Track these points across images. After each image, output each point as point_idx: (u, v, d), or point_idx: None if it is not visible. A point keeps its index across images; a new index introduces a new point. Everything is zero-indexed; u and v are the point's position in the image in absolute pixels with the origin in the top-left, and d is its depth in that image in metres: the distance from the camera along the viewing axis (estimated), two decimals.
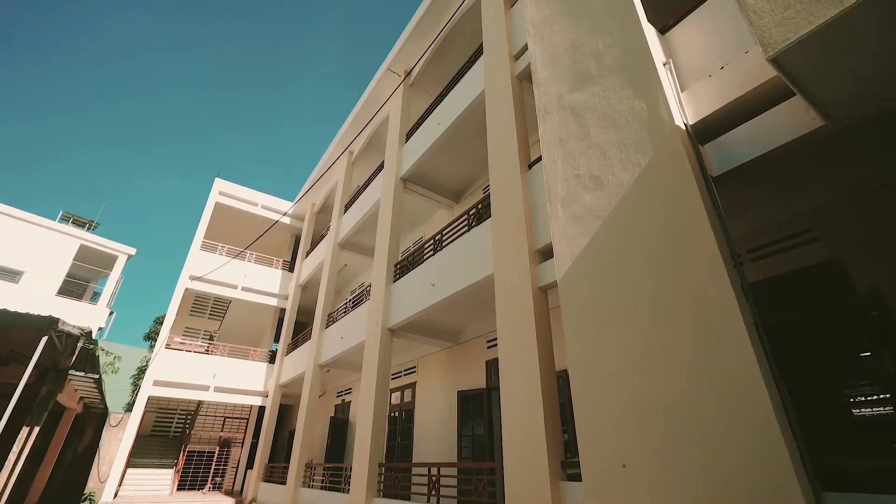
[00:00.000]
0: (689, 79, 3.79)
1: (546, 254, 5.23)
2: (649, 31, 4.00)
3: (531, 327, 4.88)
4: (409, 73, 11.64)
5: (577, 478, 4.33)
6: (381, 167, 11.80)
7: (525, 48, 6.83)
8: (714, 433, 2.49)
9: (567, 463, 4.26)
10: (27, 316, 7.01)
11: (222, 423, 17.19)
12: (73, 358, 8.32)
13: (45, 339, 6.93)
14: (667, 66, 3.75)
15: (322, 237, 15.47)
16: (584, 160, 4.04)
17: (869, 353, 3.99)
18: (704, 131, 3.52)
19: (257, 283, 16.64)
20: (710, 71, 3.59)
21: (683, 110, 3.54)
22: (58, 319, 7.02)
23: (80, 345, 8.19)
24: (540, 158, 5.74)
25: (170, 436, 17.16)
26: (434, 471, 6.82)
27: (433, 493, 6.24)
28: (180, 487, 15.14)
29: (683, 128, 3.38)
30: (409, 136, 10.56)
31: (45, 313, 7.26)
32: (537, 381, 4.58)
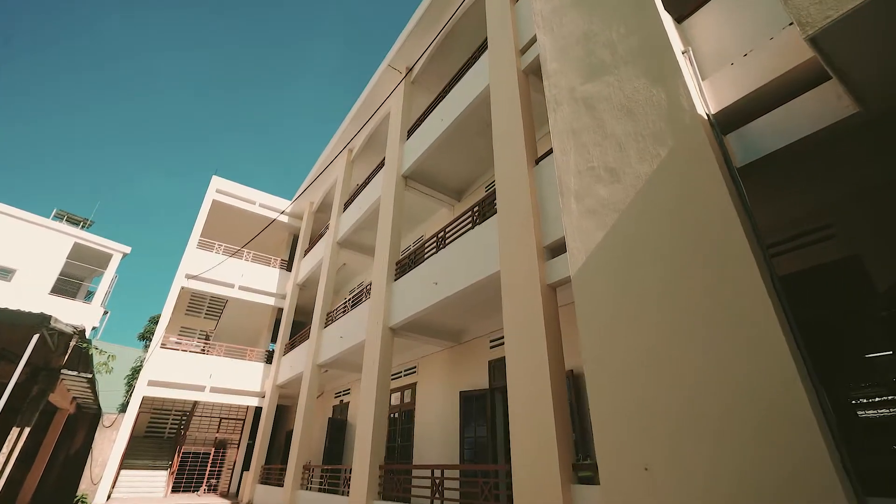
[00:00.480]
0: (707, 69, 3.66)
1: (555, 250, 5.10)
2: (666, 20, 3.88)
3: (540, 325, 4.75)
4: (410, 70, 11.50)
5: (589, 480, 4.19)
6: (381, 165, 11.65)
7: (531, 42, 6.72)
8: (751, 436, 2.35)
9: (579, 465, 4.12)
10: (18, 313, 6.81)
11: (218, 424, 16.94)
12: (66, 357, 8.11)
13: (36, 336, 6.73)
14: (686, 54, 3.62)
15: (320, 236, 15.30)
16: (599, 152, 3.90)
17: (891, 353, 3.88)
18: (726, 121, 3.39)
19: (254, 282, 16.43)
20: (731, 59, 3.47)
21: (705, 99, 3.42)
22: (50, 317, 6.82)
23: (72, 343, 7.98)
24: (547, 153, 5.63)
25: (164, 437, 16.90)
26: (437, 473, 6.66)
27: (436, 496, 6.08)
28: (175, 489, 14.88)
29: (705, 117, 3.25)
30: (410, 133, 10.42)
31: (37, 311, 7.05)
32: (547, 381, 4.44)
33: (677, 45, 3.71)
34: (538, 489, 4.16)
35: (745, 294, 2.56)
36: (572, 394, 5.92)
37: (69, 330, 7.42)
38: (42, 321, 6.79)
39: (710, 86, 3.50)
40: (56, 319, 7.02)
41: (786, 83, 3.11)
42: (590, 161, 3.97)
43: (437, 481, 6.17)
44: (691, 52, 3.64)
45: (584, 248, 3.73)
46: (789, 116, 3.07)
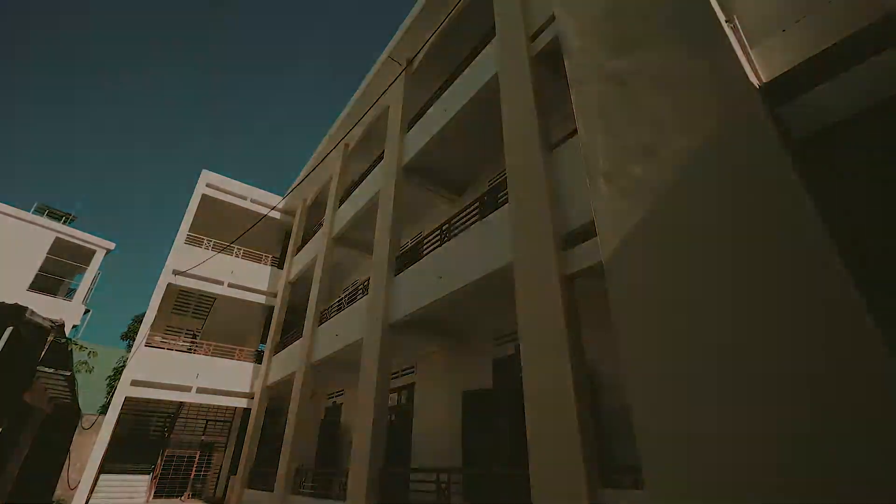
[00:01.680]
0: (752, 39, 3.40)
1: (574, 239, 4.81)
2: None
3: (559, 319, 4.44)
4: (410, 62, 11.19)
5: (616, 484, 3.89)
6: (379, 159, 11.32)
7: (543, 27, 6.47)
8: (841, 436, 2.06)
9: (607, 468, 3.82)
10: None
11: (204, 426, 16.30)
12: (43, 353, 7.60)
13: (9, 329, 6.23)
14: (730, 24, 3.36)
15: (313, 234, 14.87)
16: (632, 129, 3.62)
17: None
18: (777, 91, 3.12)
19: (245, 279, 15.90)
20: (779, 27, 3.21)
21: (755, 68, 3.15)
22: (25, 308, 6.34)
23: (50, 338, 7.47)
24: (563, 140, 5.36)
25: (148, 439, 16.21)
26: (443, 477, 6.30)
27: (442, 501, 5.73)
28: (157, 494, 14.26)
29: (756, 87, 2.98)
30: (411, 125, 10.10)
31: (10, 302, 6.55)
32: (568, 377, 4.13)
33: (719, 14, 3.45)
34: (561, 494, 3.84)
35: (826, 278, 2.27)
36: None
37: (46, 324, 6.93)
38: (16, 313, 6.30)
39: (758, 55, 3.24)
40: (32, 312, 6.54)
41: (847, 48, 2.85)
42: (621, 139, 3.69)
43: (443, 486, 5.82)
44: (736, 21, 3.38)
45: (618, 231, 3.43)
46: (850, 85, 2.82)
